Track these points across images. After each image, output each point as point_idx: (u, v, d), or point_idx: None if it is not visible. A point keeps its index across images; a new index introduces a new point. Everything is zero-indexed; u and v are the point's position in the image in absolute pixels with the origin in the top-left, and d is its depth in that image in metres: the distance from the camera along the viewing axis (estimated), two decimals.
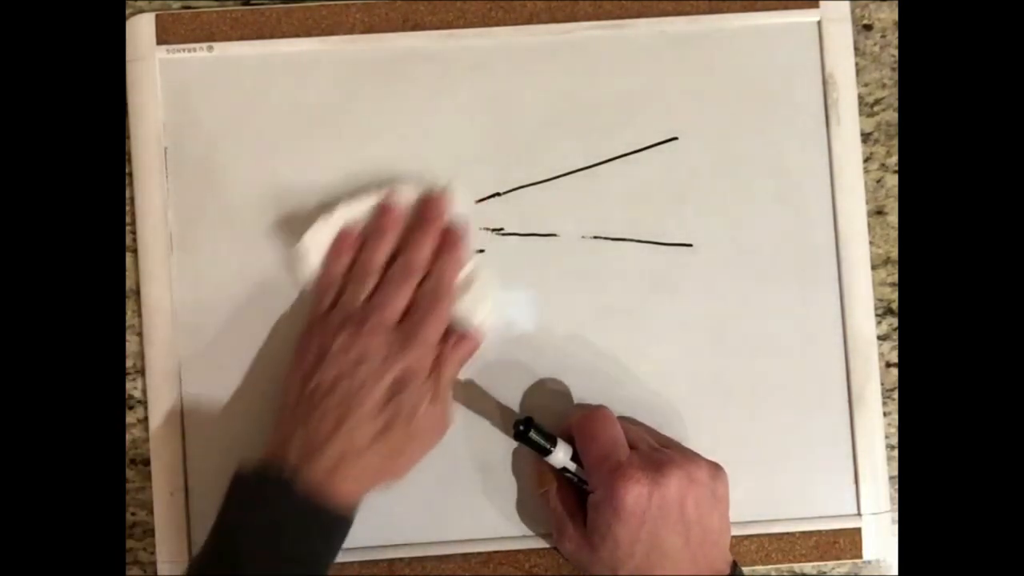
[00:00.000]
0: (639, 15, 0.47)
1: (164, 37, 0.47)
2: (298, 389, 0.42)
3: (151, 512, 0.46)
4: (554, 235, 0.47)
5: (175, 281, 0.46)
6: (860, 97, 0.48)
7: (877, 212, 0.48)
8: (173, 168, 0.47)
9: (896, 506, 0.47)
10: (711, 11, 0.47)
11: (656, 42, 0.48)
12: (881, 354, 0.48)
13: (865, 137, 0.48)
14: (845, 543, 0.47)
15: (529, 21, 0.47)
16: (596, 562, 0.41)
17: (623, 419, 0.44)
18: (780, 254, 0.47)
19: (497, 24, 0.47)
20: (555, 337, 0.47)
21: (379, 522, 0.46)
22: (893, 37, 0.49)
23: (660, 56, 0.47)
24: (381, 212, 0.45)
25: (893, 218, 0.48)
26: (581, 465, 0.43)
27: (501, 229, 0.47)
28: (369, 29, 0.47)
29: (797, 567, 0.47)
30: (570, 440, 0.43)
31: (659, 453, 0.42)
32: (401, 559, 0.46)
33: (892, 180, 0.49)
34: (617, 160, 0.47)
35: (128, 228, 0.47)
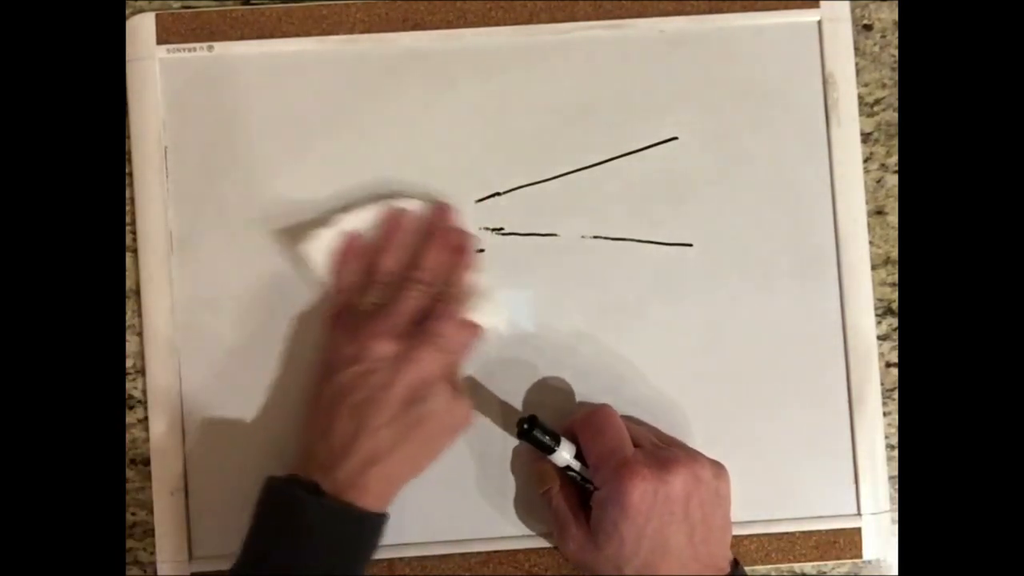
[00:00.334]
0: (639, 15, 0.47)
1: (164, 37, 0.47)
2: (319, 397, 0.42)
3: (151, 512, 0.46)
4: (554, 235, 0.47)
5: (175, 281, 0.46)
6: (860, 97, 0.48)
7: (877, 212, 0.48)
8: (173, 168, 0.47)
9: (896, 506, 0.47)
10: (711, 11, 0.47)
11: (656, 42, 0.48)
12: (881, 354, 0.48)
13: (865, 137, 0.48)
14: (845, 543, 0.47)
15: (529, 21, 0.47)
16: (600, 561, 0.41)
17: (625, 418, 0.44)
18: (780, 254, 0.47)
19: (497, 24, 0.47)
20: (555, 337, 0.47)
21: None
22: (893, 37, 0.49)
23: (660, 56, 0.47)
24: (391, 221, 0.45)
25: (893, 218, 0.48)
26: (584, 464, 0.43)
27: (501, 229, 0.47)
28: (369, 29, 0.47)
29: (797, 567, 0.47)
30: (572, 439, 0.43)
31: (664, 451, 0.42)
32: (401, 559, 0.46)
33: (892, 180, 0.49)
34: (617, 160, 0.47)
35: (128, 228, 0.47)
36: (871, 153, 0.48)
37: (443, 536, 0.46)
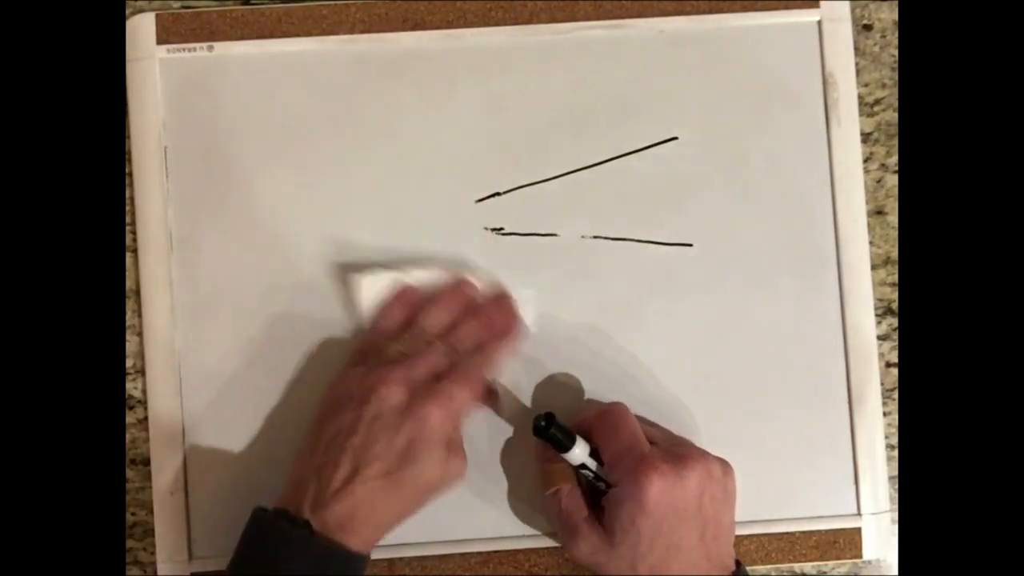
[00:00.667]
0: (639, 15, 0.47)
1: (164, 37, 0.47)
2: (318, 433, 0.41)
3: (151, 512, 0.46)
4: (554, 235, 0.47)
5: (175, 281, 0.46)
6: (860, 97, 0.48)
7: (877, 212, 0.48)
8: (173, 168, 0.47)
9: (896, 506, 0.47)
10: (711, 11, 0.47)
11: (656, 42, 0.48)
12: (881, 354, 0.48)
13: (865, 137, 0.48)
14: (845, 543, 0.47)
15: (529, 21, 0.47)
16: (614, 560, 0.41)
17: (636, 417, 0.44)
18: (780, 254, 0.47)
19: (497, 24, 0.47)
20: (555, 337, 0.47)
21: None
22: (893, 37, 0.49)
23: (660, 56, 0.47)
24: (451, 286, 0.45)
25: (893, 218, 0.48)
26: (599, 462, 0.42)
27: (501, 229, 0.47)
28: (369, 29, 0.47)
29: (797, 567, 0.47)
30: (584, 436, 0.43)
31: (677, 447, 0.42)
32: (401, 559, 0.46)
33: (892, 180, 0.49)
34: (617, 160, 0.47)
35: (128, 228, 0.47)
36: (871, 153, 0.48)
37: (443, 536, 0.46)
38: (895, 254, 0.48)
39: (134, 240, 0.47)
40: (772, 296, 0.47)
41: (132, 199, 0.47)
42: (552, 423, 0.42)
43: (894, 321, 0.48)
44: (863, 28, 0.49)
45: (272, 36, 0.47)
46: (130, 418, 0.47)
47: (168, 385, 0.46)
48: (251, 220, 0.47)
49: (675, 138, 0.47)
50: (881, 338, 0.48)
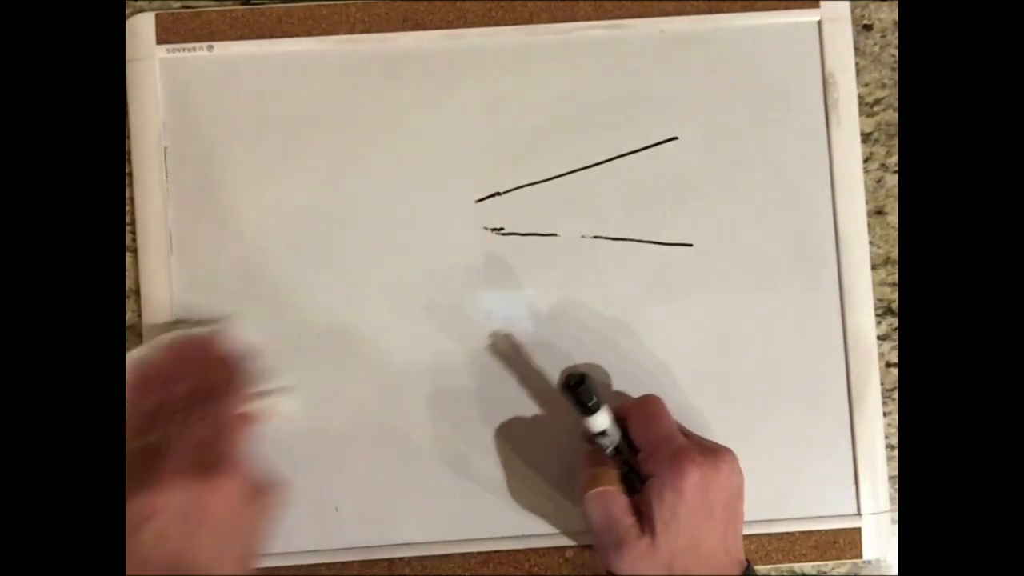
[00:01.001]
0: (639, 15, 0.47)
1: (164, 37, 0.47)
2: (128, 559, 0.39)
3: None
4: (554, 235, 0.47)
5: (175, 281, 0.46)
6: (860, 97, 0.48)
7: (877, 212, 0.48)
8: (173, 168, 0.47)
9: (896, 506, 0.47)
10: (711, 11, 0.47)
11: (656, 42, 0.48)
12: (881, 354, 0.48)
13: (865, 137, 0.48)
14: (845, 543, 0.47)
15: (529, 21, 0.47)
16: (655, 564, 0.40)
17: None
18: (780, 254, 0.47)
19: (497, 24, 0.47)
20: (554, 337, 0.47)
21: (379, 522, 0.46)
22: (893, 37, 0.49)
23: (660, 56, 0.47)
24: (176, 350, 0.44)
25: (893, 218, 0.48)
26: (628, 444, 0.42)
27: (501, 229, 0.47)
28: (369, 29, 0.47)
29: (797, 567, 0.47)
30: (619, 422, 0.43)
31: (708, 442, 0.42)
32: (401, 559, 0.46)
33: (892, 180, 0.49)
34: (617, 160, 0.47)
35: (128, 228, 0.47)
36: (871, 153, 0.48)
37: (443, 536, 0.46)
38: (895, 254, 0.48)
39: (134, 240, 0.47)
40: (772, 296, 0.47)
41: (132, 199, 0.47)
42: (584, 382, 0.41)
43: (894, 321, 0.48)
44: (863, 28, 0.49)
45: (272, 36, 0.47)
46: None
47: None
48: (251, 220, 0.47)
49: (675, 138, 0.47)
50: (881, 338, 0.48)
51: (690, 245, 0.47)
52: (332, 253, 0.46)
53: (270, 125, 0.47)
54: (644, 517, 0.40)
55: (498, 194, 0.47)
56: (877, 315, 0.48)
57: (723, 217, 0.47)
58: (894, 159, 0.49)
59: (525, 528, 0.46)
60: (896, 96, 0.49)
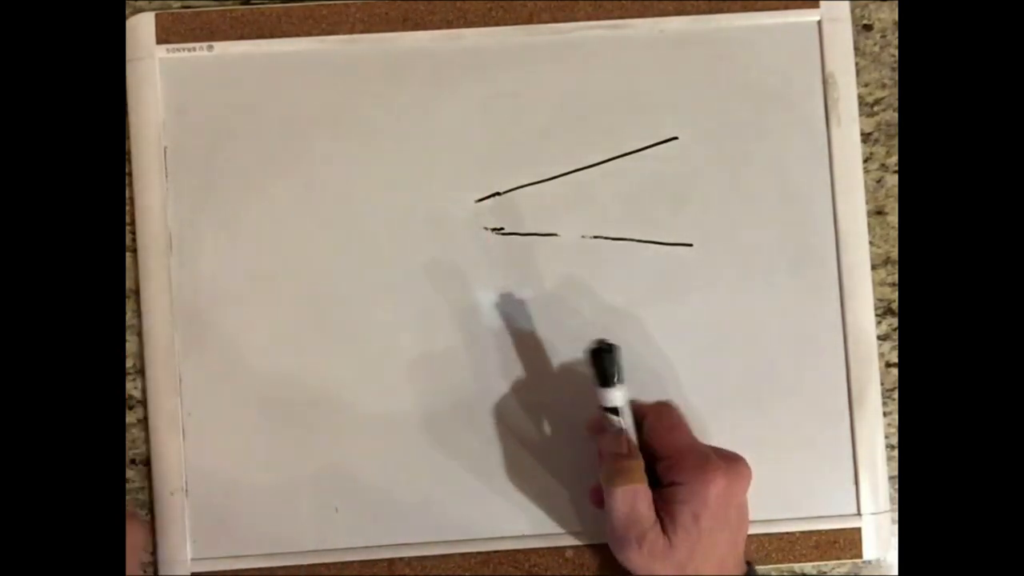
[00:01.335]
0: (639, 15, 0.47)
1: (164, 37, 0.47)
2: None
3: (151, 512, 0.46)
4: (554, 235, 0.47)
5: (175, 281, 0.46)
6: (860, 97, 0.48)
7: (877, 212, 0.48)
8: (173, 168, 0.47)
9: (896, 506, 0.47)
10: (711, 11, 0.47)
11: (656, 42, 0.48)
12: (881, 354, 0.48)
13: (865, 137, 0.48)
14: (845, 543, 0.47)
15: (529, 21, 0.47)
16: (669, 564, 0.40)
17: None
18: (780, 254, 0.47)
19: (497, 24, 0.47)
20: (554, 336, 0.47)
21: (379, 522, 0.46)
22: (893, 37, 0.49)
23: (660, 56, 0.47)
24: None
25: (893, 218, 0.48)
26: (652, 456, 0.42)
27: (501, 229, 0.47)
28: (369, 29, 0.47)
29: (797, 567, 0.47)
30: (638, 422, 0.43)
31: (727, 452, 0.43)
32: (401, 559, 0.46)
33: (892, 180, 0.49)
34: (617, 160, 0.47)
35: (128, 228, 0.47)
36: (871, 153, 0.48)
37: (443, 536, 0.46)
38: (895, 254, 0.48)
39: (134, 240, 0.47)
40: (772, 296, 0.47)
41: (132, 199, 0.47)
42: (612, 351, 0.41)
43: (894, 321, 0.48)
44: (863, 28, 0.49)
45: (272, 36, 0.47)
46: (130, 418, 0.47)
47: (168, 385, 0.46)
48: (251, 220, 0.47)
49: (675, 138, 0.47)
50: (881, 338, 0.48)
51: (690, 245, 0.47)
52: (332, 253, 0.46)
53: (270, 125, 0.47)
54: (666, 517, 0.41)
55: (498, 194, 0.47)
56: (877, 315, 0.48)
57: (723, 217, 0.47)
58: (894, 159, 0.49)
59: (525, 528, 0.46)
60: (896, 96, 0.49)
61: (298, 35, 0.47)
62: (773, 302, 0.47)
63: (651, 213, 0.47)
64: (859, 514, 0.47)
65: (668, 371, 0.47)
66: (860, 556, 0.47)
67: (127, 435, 0.47)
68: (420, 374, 0.46)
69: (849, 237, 0.47)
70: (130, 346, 0.47)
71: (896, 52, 0.49)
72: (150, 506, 0.46)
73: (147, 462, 0.47)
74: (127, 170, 0.47)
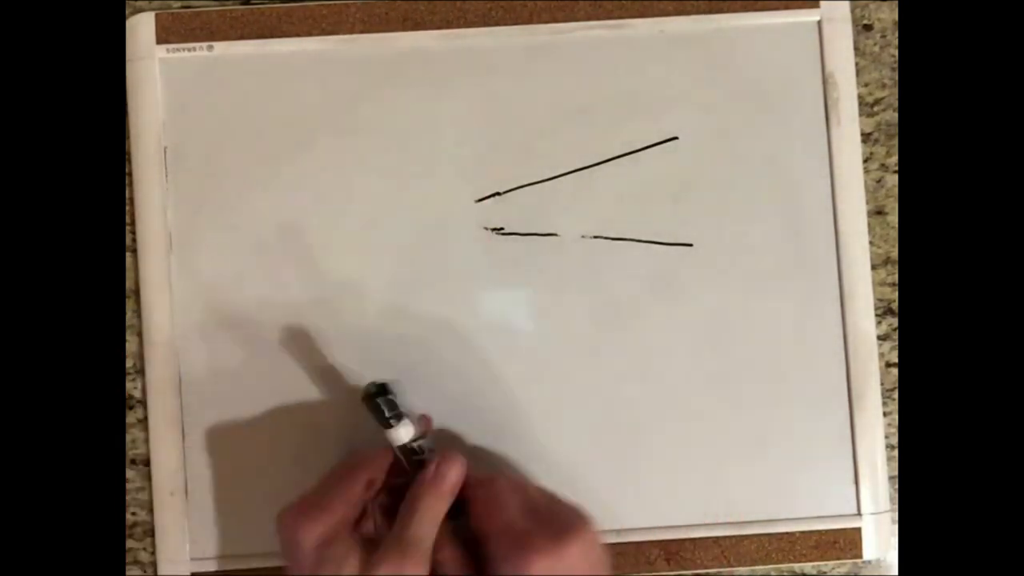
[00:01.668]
0: (639, 15, 0.47)
1: (164, 37, 0.47)
2: None
3: (151, 512, 0.46)
4: (554, 235, 0.47)
5: (175, 281, 0.46)
6: (860, 97, 0.48)
7: (877, 212, 0.48)
8: (173, 168, 0.47)
9: (896, 506, 0.47)
10: (711, 11, 0.47)
11: (656, 42, 0.48)
12: (881, 354, 0.48)
13: (865, 137, 0.48)
14: (845, 543, 0.47)
15: (529, 21, 0.47)
16: None
17: (507, 473, 0.44)
18: (780, 254, 0.47)
19: (497, 24, 0.47)
20: (554, 337, 0.47)
21: None
22: (893, 37, 0.49)
23: (660, 56, 0.47)
24: None
25: (893, 218, 0.48)
26: (461, 515, 0.41)
27: (501, 229, 0.47)
28: (369, 29, 0.47)
29: (797, 567, 0.47)
30: (461, 503, 0.41)
31: (557, 519, 0.39)
32: None
33: (892, 180, 0.49)
34: (617, 160, 0.47)
35: (128, 228, 0.47)
36: (871, 153, 0.48)
37: None
38: (895, 254, 0.48)
39: (134, 240, 0.47)
40: (772, 296, 0.47)
41: (132, 199, 0.47)
42: (384, 393, 0.40)
43: (894, 321, 0.48)
44: (863, 28, 0.49)
45: (272, 36, 0.47)
46: (130, 418, 0.47)
47: (168, 385, 0.46)
48: (251, 220, 0.47)
49: (675, 138, 0.47)
50: (881, 338, 0.48)
51: (690, 245, 0.47)
52: (332, 253, 0.46)
53: (270, 125, 0.47)
54: None
55: (498, 194, 0.47)
56: (877, 315, 0.48)
57: (723, 217, 0.47)
58: (894, 159, 0.49)
59: None
60: (896, 96, 0.49)
61: (298, 35, 0.47)
62: (773, 302, 0.47)
63: (651, 213, 0.47)
64: (859, 514, 0.47)
65: (668, 371, 0.47)
66: (860, 556, 0.47)
67: (127, 435, 0.47)
68: (420, 374, 0.46)
69: (849, 237, 0.47)
70: (130, 346, 0.47)
71: (896, 52, 0.49)
72: (150, 506, 0.46)
73: (147, 462, 0.47)
74: (127, 170, 0.47)
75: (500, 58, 0.47)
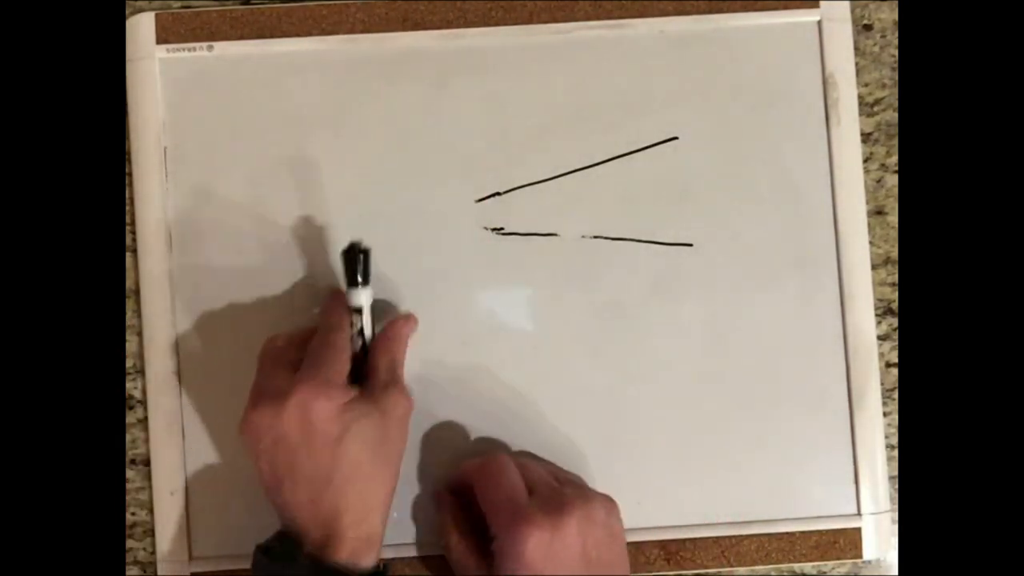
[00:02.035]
0: (639, 15, 0.47)
1: (164, 37, 0.47)
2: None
3: (151, 512, 0.46)
4: (554, 235, 0.47)
5: (175, 281, 0.46)
6: (860, 97, 0.48)
7: (877, 212, 0.48)
8: (173, 168, 0.47)
9: (896, 506, 0.47)
10: (711, 11, 0.47)
11: (656, 42, 0.48)
12: (881, 354, 0.48)
13: (865, 137, 0.48)
14: (845, 543, 0.47)
15: (529, 21, 0.47)
16: None
17: (522, 456, 0.44)
18: (780, 254, 0.47)
19: (497, 24, 0.47)
20: (554, 337, 0.47)
21: None
22: (893, 37, 0.49)
23: (660, 56, 0.47)
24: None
25: (893, 218, 0.48)
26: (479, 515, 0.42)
27: (501, 229, 0.47)
28: (369, 29, 0.47)
29: (797, 567, 0.47)
30: (466, 486, 0.42)
31: (557, 495, 0.40)
32: (401, 559, 0.46)
33: (892, 180, 0.49)
34: (617, 160, 0.47)
35: (128, 228, 0.47)
36: (871, 153, 0.48)
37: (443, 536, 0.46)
38: (895, 254, 0.48)
39: (134, 240, 0.47)
40: (772, 296, 0.47)
41: (132, 199, 0.47)
42: (366, 255, 0.42)
43: (894, 321, 0.48)
44: (863, 28, 0.49)
45: (272, 36, 0.47)
46: (130, 418, 0.47)
47: (168, 385, 0.46)
48: (251, 220, 0.47)
49: (675, 138, 0.47)
50: (881, 338, 0.48)
51: (690, 245, 0.47)
52: (332, 253, 0.46)
53: (270, 125, 0.47)
54: None
55: (498, 194, 0.47)
56: (877, 315, 0.48)
57: (723, 217, 0.47)
58: (894, 159, 0.49)
59: None
60: (896, 96, 0.49)
61: (298, 35, 0.47)
62: (773, 302, 0.47)
63: (651, 213, 0.47)
64: (859, 514, 0.47)
65: (668, 371, 0.47)
66: (860, 556, 0.47)
67: (127, 435, 0.47)
68: (419, 374, 0.46)
69: (849, 237, 0.47)
70: (130, 346, 0.47)
71: (896, 52, 0.49)
72: (150, 506, 0.46)
73: (147, 462, 0.47)
74: (127, 170, 0.47)
75: (500, 58, 0.47)
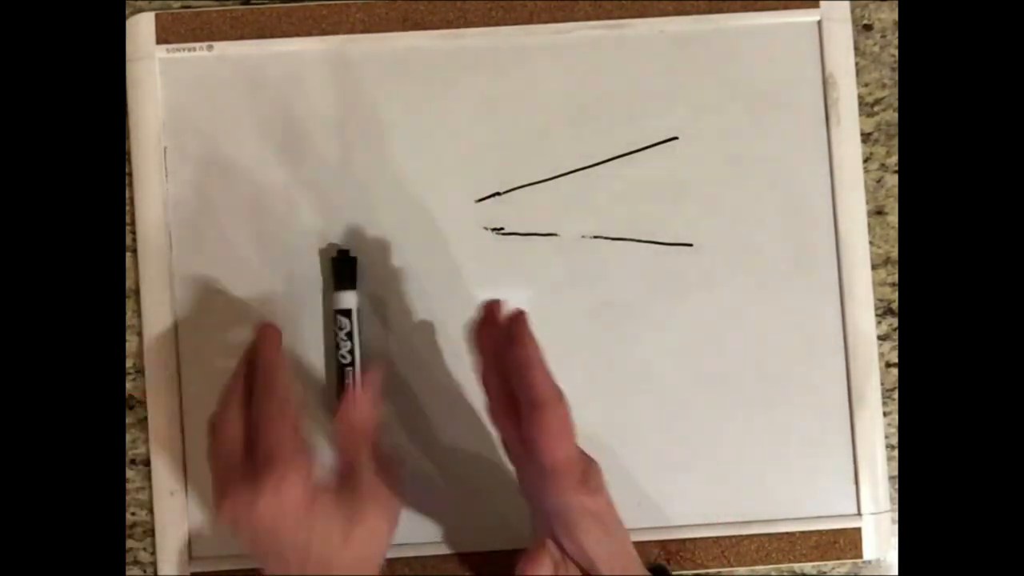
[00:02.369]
0: (639, 15, 0.47)
1: (164, 37, 0.47)
2: None
3: (151, 512, 0.46)
4: (554, 235, 0.47)
5: (175, 281, 0.46)
6: (860, 97, 0.48)
7: (877, 212, 0.48)
8: (173, 168, 0.47)
9: (896, 506, 0.47)
10: (711, 11, 0.47)
11: (656, 42, 0.48)
12: (881, 354, 0.48)
13: (865, 137, 0.48)
14: (845, 543, 0.47)
15: (529, 21, 0.47)
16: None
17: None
18: (780, 254, 0.47)
19: (497, 24, 0.47)
20: (554, 337, 0.46)
21: None
22: (893, 37, 0.49)
23: (660, 56, 0.47)
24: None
25: (893, 218, 0.48)
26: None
27: (501, 229, 0.47)
28: (369, 29, 0.47)
29: (797, 567, 0.47)
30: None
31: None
32: (401, 559, 0.46)
33: (892, 180, 0.49)
34: (617, 160, 0.47)
35: (128, 228, 0.47)
36: (871, 153, 0.48)
37: (443, 536, 0.46)
38: (895, 254, 0.48)
39: (134, 240, 0.47)
40: (772, 296, 0.47)
41: (132, 199, 0.47)
42: (354, 264, 0.45)
43: (894, 321, 0.48)
44: (863, 28, 0.49)
45: (272, 36, 0.47)
46: (130, 418, 0.47)
47: (168, 385, 0.46)
48: (251, 220, 0.47)
49: (675, 138, 0.47)
50: (881, 338, 0.48)
51: (690, 245, 0.47)
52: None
53: (270, 125, 0.47)
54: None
55: (498, 194, 0.47)
56: (877, 315, 0.48)
57: (723, 217, 0.47)
58: (894, 159, 0.49)
59: (525, 529, 0.46)
60: (896, 96, 0.49)
61: (298, 35, 0.47)
62: (773, 302, 0.47)
63: (651, 213, 0.47)
64: (859, 514, 0.47)
65: (668, 371, 0.47)
66: (860, 556, 0.47)
67: (127, 435, 0.47)
68: (419, 374, 0.46)
69: (849, 237, 0.47)
70: (130, 346, 0.47)
71: (896, 52, 0.49)
72: (150, 506, 0.46)
73: (147, 462, 0.47)
74: (127, 170, 0.47)
75: (500, 58, 0.47)
